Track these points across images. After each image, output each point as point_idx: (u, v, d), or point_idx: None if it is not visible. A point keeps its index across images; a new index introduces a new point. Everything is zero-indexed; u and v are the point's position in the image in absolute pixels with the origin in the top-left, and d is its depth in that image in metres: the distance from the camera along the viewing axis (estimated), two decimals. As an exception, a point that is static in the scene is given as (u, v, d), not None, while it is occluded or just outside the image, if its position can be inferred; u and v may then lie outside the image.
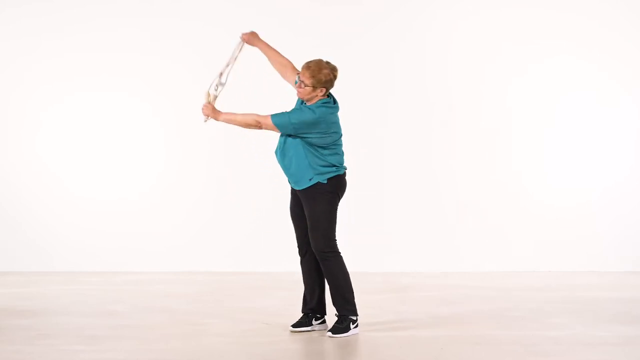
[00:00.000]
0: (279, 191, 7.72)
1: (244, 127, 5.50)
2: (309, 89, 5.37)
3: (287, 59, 5.67)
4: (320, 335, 5.47)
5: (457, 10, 8.75)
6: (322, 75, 5.36)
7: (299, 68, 5.49)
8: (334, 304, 5.48)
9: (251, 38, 5.72)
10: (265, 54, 5.73)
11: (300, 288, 5.72)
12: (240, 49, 5.73)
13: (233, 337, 5.44)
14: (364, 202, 8.65)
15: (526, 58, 8.72)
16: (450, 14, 8.75)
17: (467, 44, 8.74)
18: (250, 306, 6.58)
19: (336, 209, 5.46)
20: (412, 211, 8.74)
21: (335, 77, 5.41)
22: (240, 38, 5.74)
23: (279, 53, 5.70)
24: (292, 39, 8.60)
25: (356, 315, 5.48)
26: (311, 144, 5.38)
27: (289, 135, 5.40)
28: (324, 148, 5.40)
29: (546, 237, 8.68)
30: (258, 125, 5.42)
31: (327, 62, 5.42)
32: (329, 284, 5.48)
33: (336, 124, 5.45)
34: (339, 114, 5.52)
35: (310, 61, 5.40)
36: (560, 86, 8.73)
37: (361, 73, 8.73)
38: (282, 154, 5.45)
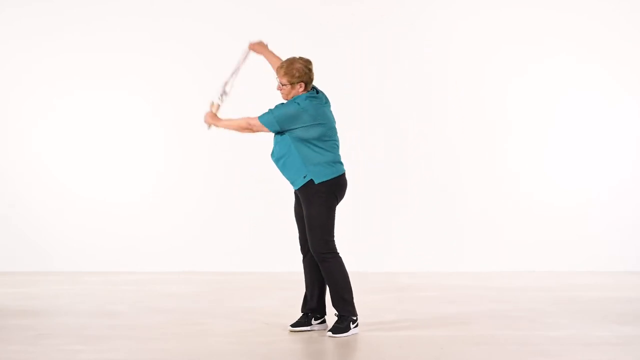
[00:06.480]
0: (279, 191, 7.74)
1: (240, 132, 5.59)
2: (287, 87, 5.45)
3: None
4: (320, 335, 5.47)
5: (457, 10, 8.76)
6: (294, 70, 5.42)
7: None
8: (333, 304, 5.49)
9: (258, 47, 5.81)
10: (269, 62, 5.81)
11: (300, 288, 5.72)
12: (246, 57, 5.79)
13: (233, 337, 5.45)
14: (364, 202, 8.66)
15: (526, 58, 8.72)
16: (450, 14, 8.76)
17: (467, 44, 8.75)
18: (250, 306, 6.58)
19: (334, 211, 5.45)
20: (412, 211, 8.74)
21: (310, 69, 5.46)
22: (248, 47, 5.81)
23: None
24: (292, 38, 8.62)
25: (356, 315, 5.48)
26: (300, 139, 5.40)
27: (278, 133, 5.45)
28: (315, 144, 5.40)
29: (546, 237, 8.68)
30: (250, 128, 5.50)
31: (300, 57, 5.49)
32: (327, 284, 5.48)
33: (322, 116, 5.45)
34: (335, 110, 5.57)
35: (283, 61, 5.49)
36: (561, 86, 8.73)
37: (361, 72, 8.74)
38: (276, 155, 5.50)
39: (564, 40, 8.71)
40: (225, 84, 5.70)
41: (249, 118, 5.49)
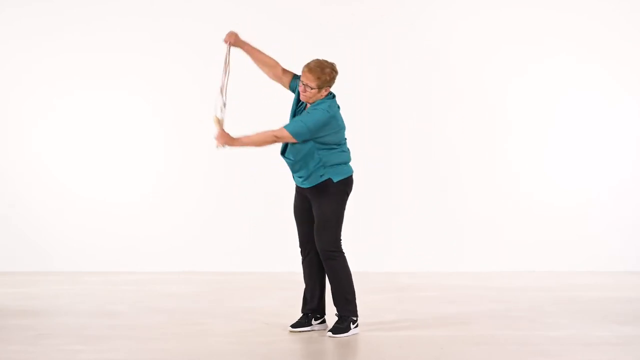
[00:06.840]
0: (279, 191, 7.74)
1: (261, 146, 5.39)
2: (314, 91, 5.33)
3: (273, 59, 5.57)
4: (320, 335, 5.47)
5: (457, 10, 8.75)
6: (325, 75, 5.33)
7: (289, 68, 5.51)
8: (335, 303, 5.48)
9: (235, 40, 5.56)
10: (249, 55, 5.59)
11: (300, 288, 5.72)
12: (229, 54, 5.53)
13: (233, 337, 5.45)
14: (364, 202, 8.65)
15: (526, 58, 8.72)
16: (450, 14, 8.76)
17: (467, 44, 8.75)
18: (250, 306, 6.58)
19: (344, 208, 5.46)
20: (412, 211, 8.74)
21: (337, 73, 5.40)
22: (224, 42, 5.56)
23: (264, 53, 5.59)
24: (292, 38, 8.62)
25: (356, 315, 5.48)
26: (323, 143, 5.36)
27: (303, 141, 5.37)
28: (334, 147, 5.40)
29: (546, 237, 8.68)
30: (276, 141, 5.30)
31: (325, 61, 5.39)
32: (331, 283, 5.48)
33: (342, 119, 5.47)
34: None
35: (310, 63, 5.36)
36: (561, 86, 8.73)
37: (362, 73, 8.74)
38: (292, 158, 5.39)
39: (564, 40, 8.71)
40: (221, 90, 5.51)
41: (273, 131, 5.27)
